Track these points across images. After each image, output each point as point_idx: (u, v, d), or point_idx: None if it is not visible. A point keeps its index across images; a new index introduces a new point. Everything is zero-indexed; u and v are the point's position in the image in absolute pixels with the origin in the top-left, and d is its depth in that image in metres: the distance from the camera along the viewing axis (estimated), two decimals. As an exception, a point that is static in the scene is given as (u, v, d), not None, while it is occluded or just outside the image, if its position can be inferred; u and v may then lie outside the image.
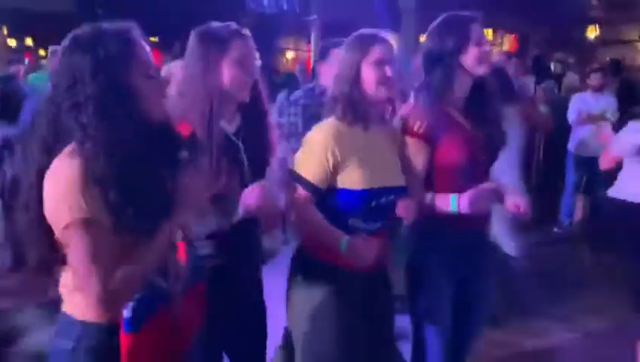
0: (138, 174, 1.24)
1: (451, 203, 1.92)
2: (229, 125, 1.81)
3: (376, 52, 1.83)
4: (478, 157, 2.02)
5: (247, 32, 1.80)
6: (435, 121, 1.95)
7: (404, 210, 1.91)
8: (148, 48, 1.34)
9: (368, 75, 1.84)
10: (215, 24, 1.80)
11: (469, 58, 1.96)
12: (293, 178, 1.85)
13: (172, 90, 1.80)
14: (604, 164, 3.33)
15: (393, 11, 7.32)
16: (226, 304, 1.82)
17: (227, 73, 1.74)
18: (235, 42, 1.75)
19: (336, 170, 1.82)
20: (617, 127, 5.04)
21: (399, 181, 1.93)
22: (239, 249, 1.85)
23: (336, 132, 1.84)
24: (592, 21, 11.57)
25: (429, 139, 1.96)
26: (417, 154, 1.98)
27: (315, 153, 1.82)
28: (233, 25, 1.79)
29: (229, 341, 1.95)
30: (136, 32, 1.32)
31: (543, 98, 5.11)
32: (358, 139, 1.85)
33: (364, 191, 1.82)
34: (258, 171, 1.86)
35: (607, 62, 7.55)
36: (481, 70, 1.97)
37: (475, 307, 2.14)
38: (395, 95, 1.91)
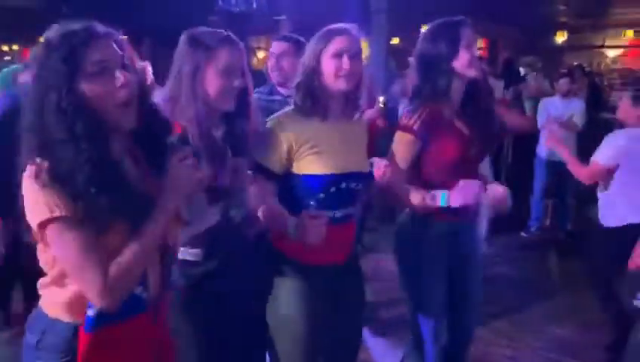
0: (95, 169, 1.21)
1: (441, 199, 2.01)
2: (217, 130, 1.77)
3: (335, 44, 1.84)
4: (468, 156, 2.09)
5: (236, 39, 1.74)
6: (429, 119, 2.03)
7: (380, 172, 1.93)
8: (108, 44, 1.27)
9: (327, 67, 1.85)
10: (204, 29, 1.74)
11: (460, 62, 2.04)
12: (251, 165, 1.87)
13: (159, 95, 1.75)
14: (587, 178, 3.12)
15: (364, 12, 7.31)
16: (218, 311, 1.78)
17: (211, 82, 1.69)
18: (221, 51, 1.68)
19: (291, 156, 1.86)
20: (585, 131, 5.13)
21: (361, 167, 1.93)
22: (230, 253, 1.80)
23: (292, 120, 1.89)
24: (560, 27, 11.79)
25: (422, 136, 2.04)
26: (408, 150, 2.06)
27: (270, 140, 1.86)
28: (222, 32, 1.74)
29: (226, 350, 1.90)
30: (88, 32, 1.25)
31: (531, 93, 5.07)
32: (316, 128, 1.88)
33: (322, 176, 1.85)
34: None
35: (573, 67, 7.66)
36: (471, 73, 2.06)
37: (468, 296, 2.21)
38: (358, 88, 1.90)
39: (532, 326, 3.62)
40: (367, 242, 4.27)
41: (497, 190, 2.09)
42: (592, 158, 3.04)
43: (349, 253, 2.01)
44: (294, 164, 1.87)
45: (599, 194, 3.11)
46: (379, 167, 1.91)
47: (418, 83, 2.09)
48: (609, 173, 2.97)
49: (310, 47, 1.89)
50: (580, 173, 3.13)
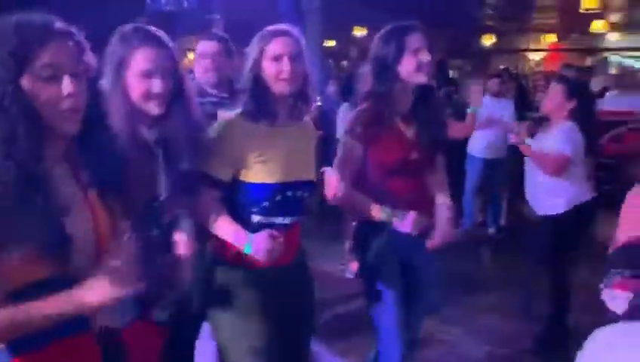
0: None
1: (394, 218, 2.04)
2: (149, 131, 1.66)
3: (274, 46, 1.81)
4: (410, 160, 2.12)
5: (163, 38, 1.62)
6: (371, 122, 2.07)
7: (331, 192, 1.91)
8: (64, 46, 1.16)
9: (267, 70, 1.82)
10: (133, 26, 1.63)
11: (405, 67, 2.07)
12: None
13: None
14: (556, 171, 3.14)
15: (298, 12, 7.29)
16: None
17: (131, 83, 1.58)
18: (139, 50, 1.57)
19: (237, 163, 1.81)
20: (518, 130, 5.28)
21: (307, 175, 1.92)
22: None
23: (240, 125, 1.84)
24: (488, 30, 12.23)
25: (364, 140, 2.08)
26: (351, 154, 2.10)
27: (216, 146, 1.79)
28: (147, 30, 1.62)
29: None
30: (45, 29, 1.15)
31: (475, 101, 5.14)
32: (263, 134, 1.83)
33: (268, 185, 1.82)
34: (180, 183, 1.68)
35: (501, 69, 7.92)
36: (418, 79, 2.08)
37: (418, 297, 2.24)
38: (303, 90, 1.87)
39: (466, 319, 3.67)
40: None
41: (445, 228, 2.13)
42: (558, 151, 3.08)
43: (294, 255, 1.98)
44: (241, 172, 1.82)
45: (542, 185, 3.18)
46: (330, 184, 1.88)
47: (370, 86, 2.12)
48: (569, 164, 3.10)
49: (251, 50, 1.85)
50: (548, 166, 3.15)
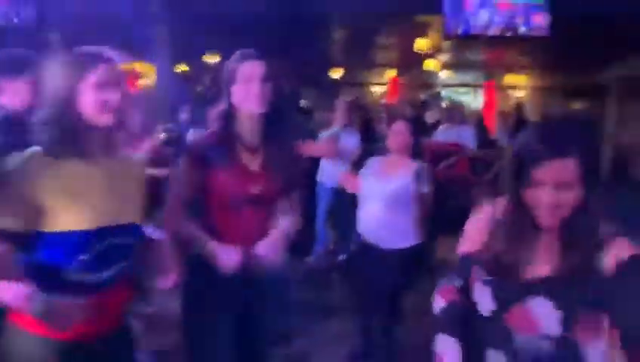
0: None
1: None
2: None
3: (98, 73, 1.59)
4: (251, 194, 2.01)
5: None
6: (210, 149, 1.98)
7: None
8: None
9: (87, 99, 1.59)
10: None
11: (236, 96, 1.98)
12: None
13: None
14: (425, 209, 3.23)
15: (147, 35, 7.03)
16: None
17: None
18: None
19: (37, 209, 1.54)
20: (358, 162, 5.54)
21: (132, 217, 1.72)
22: None
23: (37, 163, 1.57)
24: (336, 64, 12.82)
25: (200, 166, 1.98)
26: (187, 177, 2.00)
27: (7, 190, 1.53)
28: None
29: None
30: None
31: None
32: (72, 172, 1.59)
33: (84, 233, 1.57)
34: None
35: (348, 101, 8.31)
36: (251, 108, 1.99)
37: (259, 323, 2.15)
38: (127, 120, 1.67)
39: (317, 348, 3.69)
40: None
41: (265, 249, 2.02)
42: (421, 192, 3.15)
43: (119, 320, 1.73)
44: (46, 220, 1.56)
45: (394, 221, 3.21)
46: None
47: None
48: None
49: (62, 77, 1.60)
50: (421, 208, 3.18)
